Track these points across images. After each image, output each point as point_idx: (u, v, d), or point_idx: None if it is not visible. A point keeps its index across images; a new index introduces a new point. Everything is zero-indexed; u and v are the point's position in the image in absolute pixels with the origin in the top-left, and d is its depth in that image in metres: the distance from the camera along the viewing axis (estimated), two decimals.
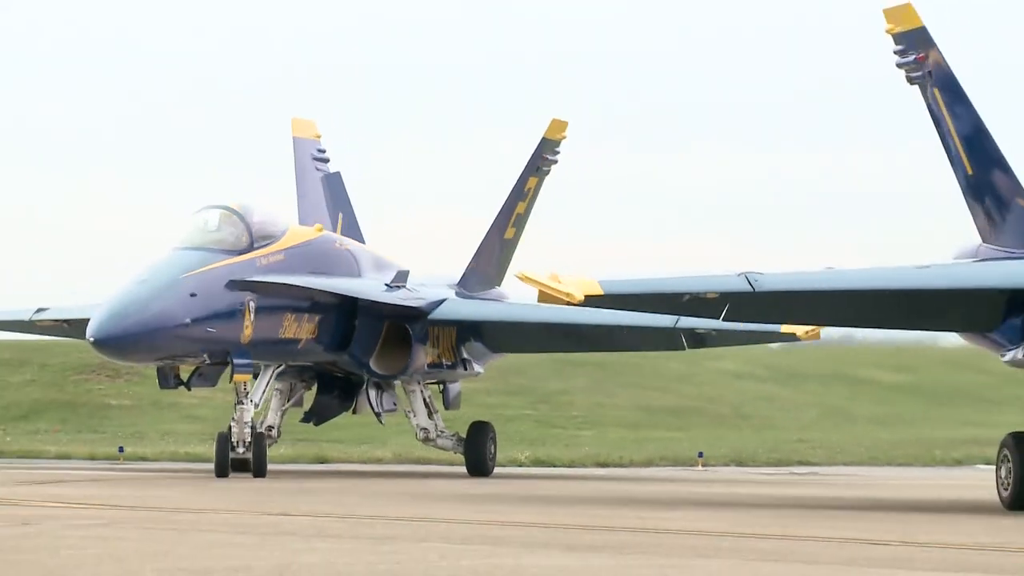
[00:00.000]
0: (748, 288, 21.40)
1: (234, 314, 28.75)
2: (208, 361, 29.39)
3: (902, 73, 23.10)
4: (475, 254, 34.76)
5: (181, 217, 34.62)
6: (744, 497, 25.32)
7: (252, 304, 28.88)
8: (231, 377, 29.46)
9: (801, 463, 37.07)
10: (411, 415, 32.20)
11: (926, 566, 11.95)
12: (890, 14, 23.30)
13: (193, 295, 27.79)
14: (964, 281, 22.04)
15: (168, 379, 30.31)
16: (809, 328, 28.71)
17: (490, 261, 34.91)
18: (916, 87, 23.26)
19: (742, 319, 24.97)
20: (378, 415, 32.47)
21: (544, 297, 22.24)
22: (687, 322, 29.73)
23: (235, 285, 28.70)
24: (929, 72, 22.70)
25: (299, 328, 29.98)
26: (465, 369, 33.34)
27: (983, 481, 28.56)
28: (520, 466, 36.77)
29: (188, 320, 27.87)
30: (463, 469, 32.88)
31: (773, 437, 41.32)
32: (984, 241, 23.21)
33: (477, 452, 32.26)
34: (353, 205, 36.48)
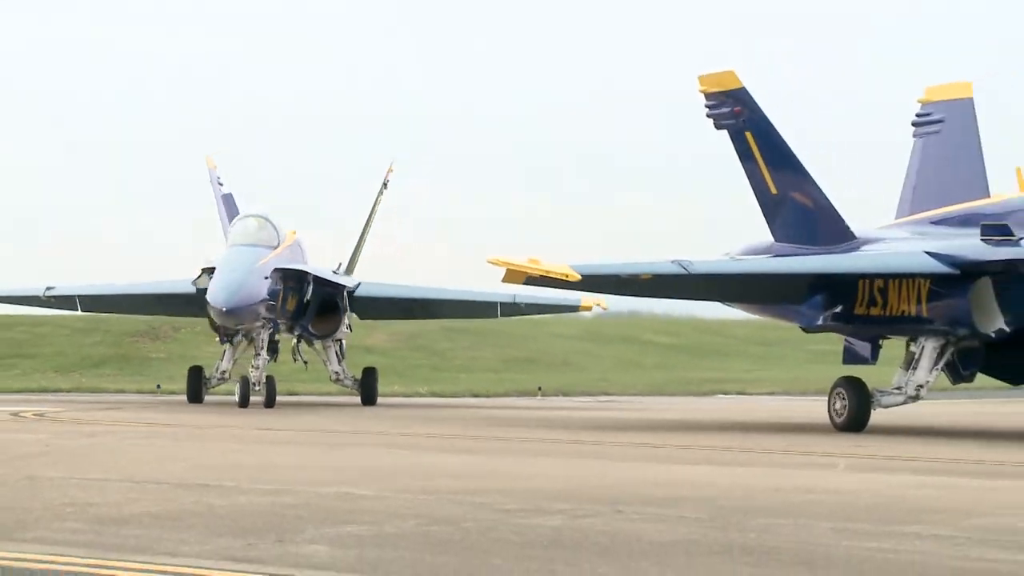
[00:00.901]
0: (682, 271, 25.59)
1: (278, 293, 35.98)
2: (260, 325, 36.67)
3: (711, 122, 27.94)
4: (352, 253, 42.37)
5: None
6: (569, 417, 37.08)
7: (283, 284, 36.25)
8: (266, 340, 36.78)
9: (604, 394, 49.25)
10: (328, 363, 39.29)
11: (693, 460, 21.61)
12: (706, 79, 27.79)
13: (266, 278, 35.35)
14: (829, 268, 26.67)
15: (223, 337, 38.54)
16: (597, 302, 39.56)
17: (355, 258, 42.36)
18: (724, 131, 27.87)
19: (673, 296, 29.79)
20: (306, 363, 40.30)
21: (534, 280, 26.27)
22: (504, 295, 39.25)
23: (279, 272, 36.00)
24: (744, 120, 26.85)
25: (293, 303, 36.84)
26: (350, 331, 40.61)
27: (725, 405, 45.21)
28: (420, 396, 47.58)
29: (266, 295, 35.42)
30: (358, 400, 40.73)
31: (586, 378, 54.80)
32: (777, 240, 27.99)
33: (369, 389, 39.56)
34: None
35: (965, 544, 11.25)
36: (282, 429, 29.24)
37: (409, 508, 13.88)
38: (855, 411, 24.67)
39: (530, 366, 54.77)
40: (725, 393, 50.58)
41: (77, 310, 42.69)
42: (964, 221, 25.53)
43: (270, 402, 35.74)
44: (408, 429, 29.69)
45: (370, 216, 43.14)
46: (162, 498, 14.62)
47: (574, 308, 42.02)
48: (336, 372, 38.82)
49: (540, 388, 49.09)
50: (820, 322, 26.91)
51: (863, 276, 25.37)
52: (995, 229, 23.50)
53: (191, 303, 38.51)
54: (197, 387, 38.49)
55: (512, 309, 41.68)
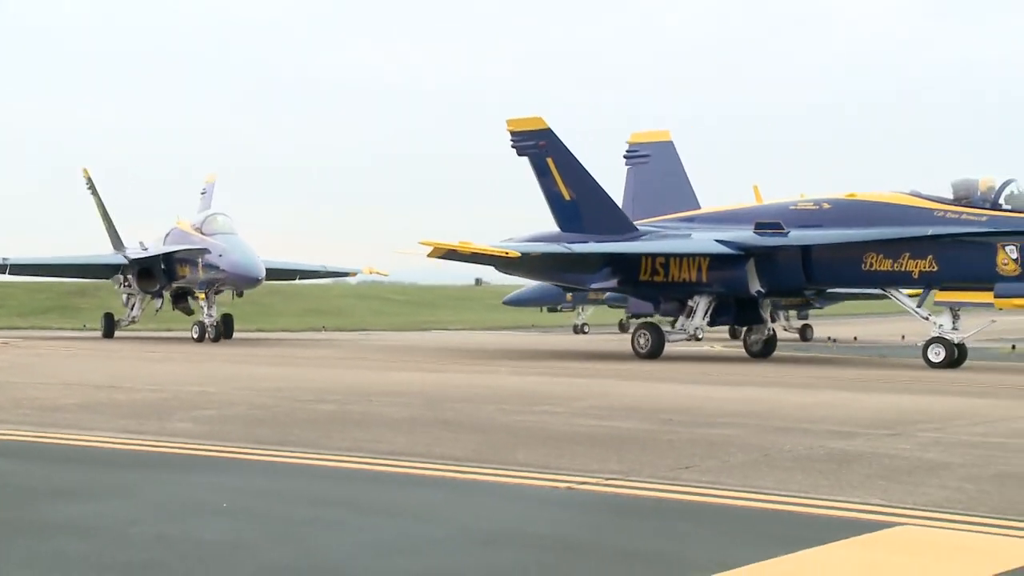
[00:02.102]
0: (568, 251, 31.82)
1: None
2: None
3: (514, 151, 34.33)
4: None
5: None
6: (341, 344, 45.47)
7: None
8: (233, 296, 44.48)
9: (364, 331, 60.88)
10: (208, 310, 42.85)
11: (415, 369, 27.89)
12: (514, 122, 34.14)
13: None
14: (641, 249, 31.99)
15: (131, 294, 46.84)
16: (376, 270, 52.33)
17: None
18: (525, 157, 34.14)
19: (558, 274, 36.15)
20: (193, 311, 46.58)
21: (478, 258, 33.26)
22: (311, 268, 50.84)
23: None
24: (547, 150, 33.26)
25: None
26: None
27: (437, 336, 56.00)
28: (262, 332, 56.61)
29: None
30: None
31: (352, 321, 69.40)
32: (563, 231, 33.59)
33: (227, 328, 44.06)
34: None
35: (572, 416, 16.24)
36: (163, 352, 36.13)
37: (241, 399, 18.72)
38: (654, 345, 30.29)
39: (319, 314, 68.54)
40: (437, 329, 65.04)
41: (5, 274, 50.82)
42: (716, 219, 31.81)
43: (229, 335, 43.37)
44: (243, 352, 36.62)
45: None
46: (84, 395, 19.42)
47: (347, 274, 55.40)
48: (211, 316, 42.81)
49: (324, 327, 60.94)
50: (608, 284, 33.66)
51: (674, 256, 30.68)
52: (767, 225, 29.26)
53: (105, 271, 48.19)
54: (111, 327, 46.23)
55: (311, 275, 53.37)
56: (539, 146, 32.77)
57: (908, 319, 32.76)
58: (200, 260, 41.21)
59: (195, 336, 41.65)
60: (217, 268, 40.75)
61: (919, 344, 27.95)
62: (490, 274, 58.57)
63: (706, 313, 30.67)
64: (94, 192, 50.11)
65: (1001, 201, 25.71)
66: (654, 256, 30.94)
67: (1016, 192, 25.87)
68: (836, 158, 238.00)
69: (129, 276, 45.72)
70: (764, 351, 31.74)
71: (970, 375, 25.95)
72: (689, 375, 25.88)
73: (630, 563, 7.59)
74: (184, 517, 9.19)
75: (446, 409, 17.29)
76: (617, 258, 31.69)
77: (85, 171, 51.05)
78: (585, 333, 54.83)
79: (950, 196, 26.68)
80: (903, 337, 43.17)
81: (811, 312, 51.67)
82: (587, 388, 21.80)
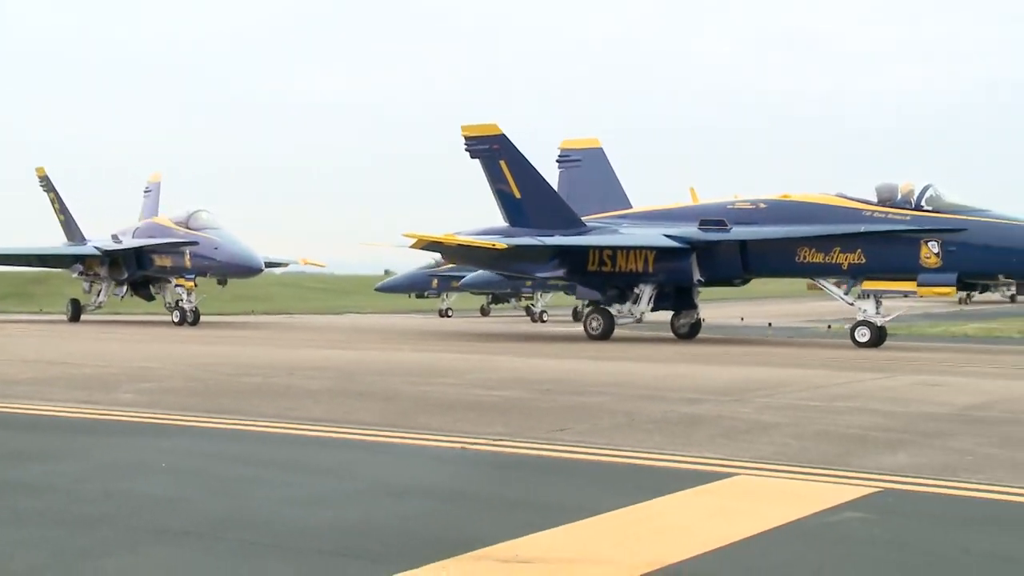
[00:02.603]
0: (540, 243, 31.06)
1: None
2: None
3: (467, 154, 33.45)
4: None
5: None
6: (267, 325, 45.41)
7: None
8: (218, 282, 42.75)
9: (288, 314, 60.20)
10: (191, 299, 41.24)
11: (333, 346, 28.16)
12: (468, 128, 33.32)
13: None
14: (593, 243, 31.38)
15: (93, 282, 45.47)
16: (314, 262, 53.74)
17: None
18: (478, 160, 33.30)
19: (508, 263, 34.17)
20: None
21: (453, 250, 34.05)
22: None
23: None
24: (499, 152, 32.49)
25: None
26: None
27: (351, 320, 55.14)
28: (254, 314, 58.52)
29: None
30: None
31: (278, 306, 68.14)
32: (512, 226, 32.88)
33: (197, 315, 41.70)
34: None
35: (465, 386, 16.47)
36: (115, 334, 35.11)
37: (178, 373, 18.77)
38: (606, 327, 30.10)
39: (250, 300, 65.15)
40: (351, 313, 63.80)
41: None
42: (656, 216, 31.46)
43: (196, 321, 40.72)
44: (184, 333, 35.67)
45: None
46: (40, 370, 19.40)
47: (284, 264, 53.42)
48: (191, 302, 41.35)
49: (253, 311, 60.20)
50: (557, 274, 33.02)
51: (625, 248, 30.23)
52: (711, 222, 29.13)
53: (73, 261, 45.71)
54: (78, 312, 44.82)
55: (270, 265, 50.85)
56: (492, 149, 32.38)
57: (741, 303, 33.52)
58: (188, 252, 39.64)
59: (176, 320, 40.45)
60: (212, 260, 39.33)
61: (846, 327, 28.21)
62: (401, 266, 61.08)
63: (650, 300, 30.42)
64: (51, 189, 48.18)
65: (923, 203, 25.84)
66: (602, 248, 30.64)
67: (935, 195, 25.99)
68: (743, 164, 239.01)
69: (100, 265, 44.02)
70: (690, 333, 31.36)
71: (800, 351, 26.51)
72: (571, 352, 26.17)
73: (514, 510, 7.92)
74: (128, 476, 9.36)
75: (358, 381, 17.46)
76: (575, 250, 31.12)
77: (40, 170, 49.13)
78: (449, 316, 54.51)
79: (874, 198, 26.78)
80: (742, 319, 44.25)
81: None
82: (478, 362, 21.89)
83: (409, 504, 8.24)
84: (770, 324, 39.96)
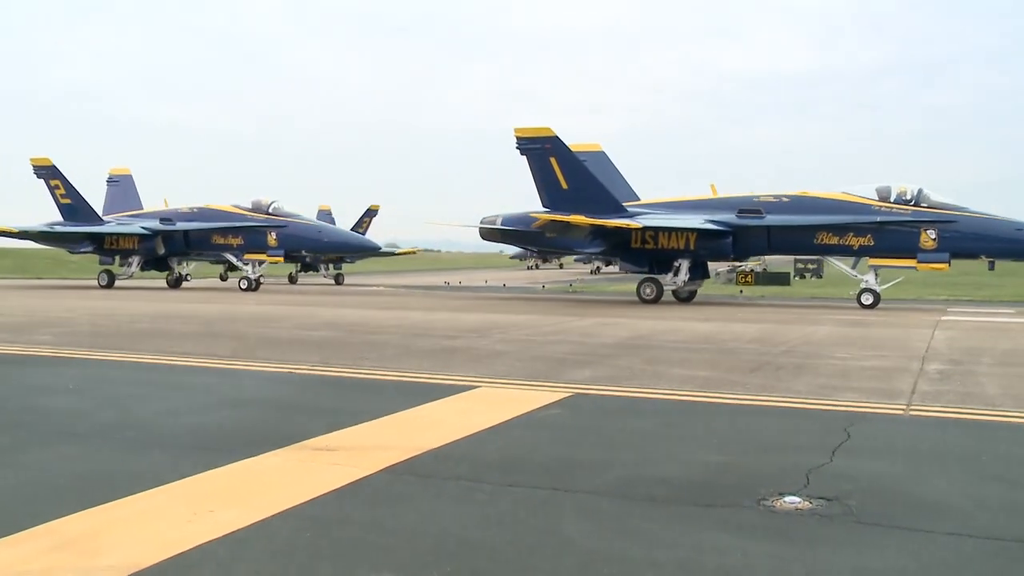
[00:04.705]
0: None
1: None
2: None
3: (518, 151, 28.01)
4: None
5: None
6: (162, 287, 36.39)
7: None
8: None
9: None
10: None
11: (217, 302, 25.14)
12: (521, 130, 28.10)
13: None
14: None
15: (127, 257, 35.78)
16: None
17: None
18: (524, 156, 28.05)
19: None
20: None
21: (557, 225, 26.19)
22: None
23: None
24: (550, 150, 27.72)
25: None
26: None
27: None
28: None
29: None
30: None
31: None
32: (553, 211, 27.12)
33: (175, 280, 36.49)
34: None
35: (292, 329, 15.98)
36: (67, 295, 32.11)
37: (87, 321, 17.88)
38: (657, 293, 25.98)
39: None
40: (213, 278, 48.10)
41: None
42: (682, 206, 27.29)
43: (257, 288, 33.16)
44: (105, 293, 33.32)
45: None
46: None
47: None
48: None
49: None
50: (599, 250, 28.62)
51: (672, 230, 26.01)
52: (749, 211, 25.70)
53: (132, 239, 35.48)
54: (111, 280, 35.46)
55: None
56: (544, 148, 27.79)
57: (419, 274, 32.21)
58: (273, 233, 32.83)
59: (243, 287, 33.02)
60: (317, 240, 33.02)
61: (852, 293, 25.39)
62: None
63: (688, 272, 26.53)
64: (55, 176, 36.64)
65: (920, 200, 24.17)
66: (655, 229, 26.28)
67: (926, 194, 24.28)
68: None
69: (143, 242, 34.99)
70: (689, 298, 27.41)
71: (528, 304, 26.89)
72: (366, 304, 25.90)
73: (325, 414, 7.87)
74: (42, 395, 8.92)
75: (215, 326, 16.94)
76: (627, 231, 26.45)
77: (45, 159, 36.98)
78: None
79: (875, 196, 24.54)
80: (486, 281, 43.43)
81: (344, 266, 45.63)
82: (301, 311, 21.42)
83: (249, 412, 8.12)
84: (504, 284, 40.37)
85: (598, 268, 63.46)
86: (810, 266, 28.16)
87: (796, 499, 5.27)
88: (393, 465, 6.04)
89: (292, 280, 44.94)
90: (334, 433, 7.03)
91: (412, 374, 10.35)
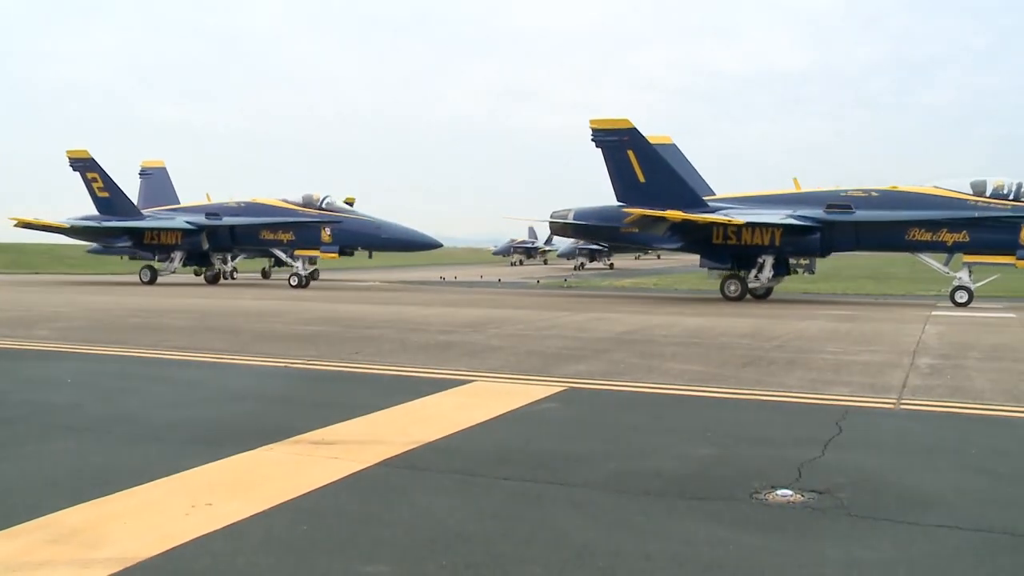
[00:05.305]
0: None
1: None
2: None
3: (593, 143, 26.33)
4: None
5: None
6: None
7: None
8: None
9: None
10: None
11: (213, 296, 23.47)
12: (597, 121, 26.43)
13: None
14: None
15: (167, 254, 34.15)
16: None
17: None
18: (600, 149, 26.37)
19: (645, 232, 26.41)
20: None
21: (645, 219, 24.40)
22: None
23: None
24: (627, 143, 26.07)
25: None
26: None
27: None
28: None
29: None
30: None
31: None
32: (628, 204, 25.91)
33: (310, 280, 34.15)
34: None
35: (288, 324, 15.73)
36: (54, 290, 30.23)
37: (83, 316, 17.72)
38: (741, 289, 24.88)
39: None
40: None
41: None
42: (765, 200, 25.78)
43: (308, 285, 31.55)
44: (101, 288, 32.77)
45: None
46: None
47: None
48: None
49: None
50: (678, 246, 27.07)
51: (757, 225, 24.61)
52: (838, 206, 24.42)
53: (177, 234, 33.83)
54: (154, 276, 33.96)
55: None
56: (622, 140, 26.21)
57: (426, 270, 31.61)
58: (327, 229, 30.86)
59: (293, 284, 31.26)
60: (376, 236, 30.72)
61: (946, 291, 24.62)
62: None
63: (772, 268, 25.17)
64: (93, 168, 34.89)
65: (1020, 195, 22.73)
66: (728, 226, 24.91)
67: None
68: None
69: (187, 236, 33.51)
70: (764, 294, 26.03)
71: (520, 298, 26.87)
72: (360, 299, 25.88)
73: (321, 408, 7.89)
74: (41, 388, 8.91)
75: (210, 320, 16.82)
76: (709, 226, 25.15)
77: (83, 152, 35.11)
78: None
79: (970, 190, 23.25)
80: (481, 276, 43.11)
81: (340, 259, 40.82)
82: (297, 306, 21.27)
83: (245, 406, 8.10)
84: (499, 280, 40.30)
85: (582, 264, 63.88)
86: (802, 261, 27.47)
87: (788, 492, 5.31)
88: (389, 458, 6.05)
89: (265, 275, 41.91)
90: (331, 427, 7.04)
91: (408, 368, 10.35)
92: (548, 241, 76.59)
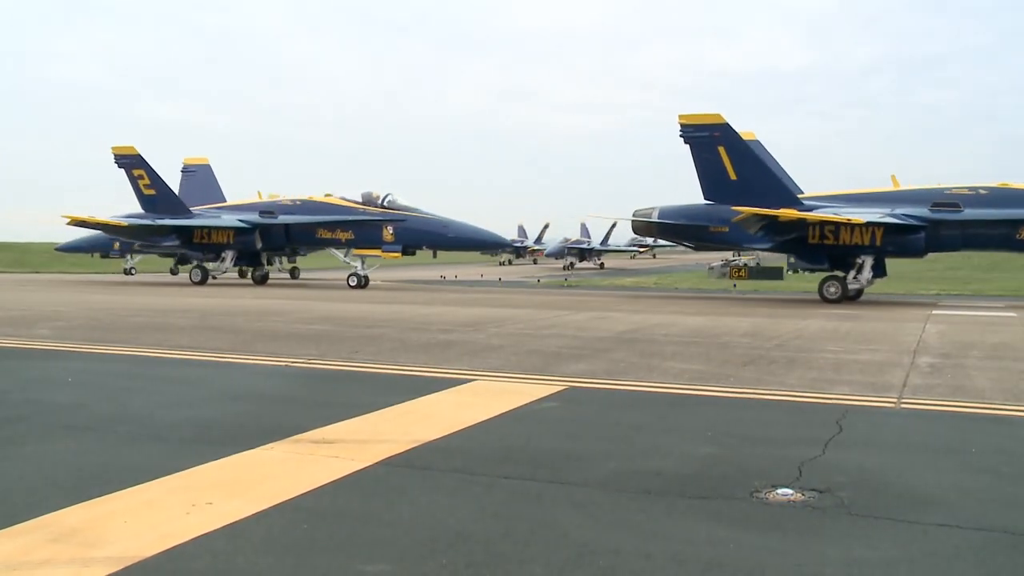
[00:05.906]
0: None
1: None
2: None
3: (681, 139, 25.54)
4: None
5: None
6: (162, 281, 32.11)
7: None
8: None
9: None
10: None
11: (215, 296, 22.86)
12: (687, 116, 25.59)
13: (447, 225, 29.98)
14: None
15: (217, 254, 33.32)
16: None
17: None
18: (688, 145, 25.49)
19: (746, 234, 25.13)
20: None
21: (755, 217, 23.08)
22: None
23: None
24: (719, 139, 25.14)
25: None
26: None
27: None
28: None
29: None
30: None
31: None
32: (717, 202, 25.11)
33: (262, 276, 34.42)
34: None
35: (289, 323, 15.84)
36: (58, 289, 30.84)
37: (82, 315, 17.75)
38: (841, 292, 23.53)
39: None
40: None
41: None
42: (863, 198, 24.76)
43: (366, 285, 30.82)
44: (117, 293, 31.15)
45: None
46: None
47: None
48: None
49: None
50: (764, 247, 26.30)
51: (856, 224, 23.40)
52: (944, 205, 23.38)
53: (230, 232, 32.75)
54: (205, 276, 33.30)
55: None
56: (713, 136, 25.22)
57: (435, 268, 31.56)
58: (390, 228, 29.86)
59: (351, 284, 30.50)
60: (442, 235, 29.85)
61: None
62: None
63: (871, 269, 23.90)
64: (140, 165, 33.94)
65: None
66: (824, 224, 23.80)
67: None
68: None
69: (239, 236, 32.54)
70: (855, 296, 24.46)
71: (517, 297, 26.80)
72: (353, 298, 25.94)
73: (321, 407, 7.87)
74: (43, 388, 8.90)
75: (212, 319, 16.83)
76: (805, 225, 23.91)
77: (130, 148, 34.17)
78: (132, 275, 41.83)
79: None
80: (481, 275, 43.80)
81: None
82: (297, 305, 21.25)
83: (246, 405, 8.08)
84: (500, 279, 40.29)
85: (571, 264, 64.02)
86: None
87: (789, 491, 5.29)
88: (390, 457, 6.04)
89: (243, 275, 39.17)
90: (331, 426, 7.02)
91: (409, 368, 10.33)
92: (539, 240, 77.19)
